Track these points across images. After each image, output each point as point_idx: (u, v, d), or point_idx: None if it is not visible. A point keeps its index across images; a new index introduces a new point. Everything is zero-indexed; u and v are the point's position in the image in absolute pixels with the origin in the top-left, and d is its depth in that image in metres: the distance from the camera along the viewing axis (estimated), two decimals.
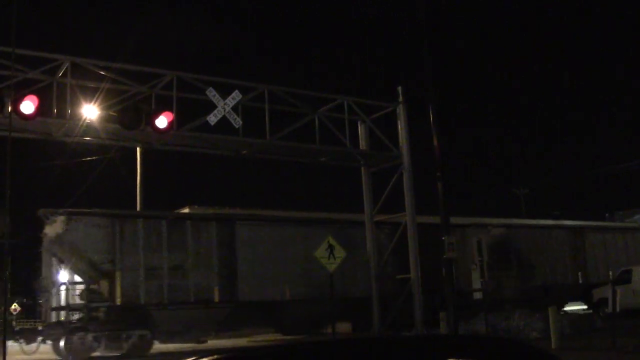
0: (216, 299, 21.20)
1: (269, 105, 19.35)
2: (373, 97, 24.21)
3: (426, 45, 19.77)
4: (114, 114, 17.22)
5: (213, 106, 17.93)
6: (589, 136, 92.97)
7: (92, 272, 20.23)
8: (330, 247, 18.78)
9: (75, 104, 16.79)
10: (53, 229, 19.74)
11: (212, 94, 17.93)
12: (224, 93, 18.08)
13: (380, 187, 22.77)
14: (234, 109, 18.10)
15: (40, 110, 15.77)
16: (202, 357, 3.62)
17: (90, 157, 29.64)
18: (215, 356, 3.60)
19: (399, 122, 22.08)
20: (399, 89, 22.13)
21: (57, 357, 19.41)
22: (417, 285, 21.40)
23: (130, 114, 16.73)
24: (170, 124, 17.22)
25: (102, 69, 17.24)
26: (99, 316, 20.02)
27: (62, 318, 20.31)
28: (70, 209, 20.56)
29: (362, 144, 22.38)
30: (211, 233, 21.53)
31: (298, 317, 21.96)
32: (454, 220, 25.73)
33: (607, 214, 50.57)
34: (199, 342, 21.19)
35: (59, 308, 20.18)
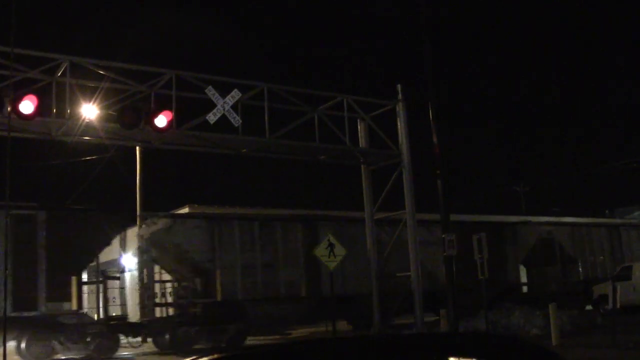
0: (303, 293, 22.64)
1: (269, 104, 19.35)
2: (372, 95, 24.21)
3: (426, 42, 19.77)
4: (113, 113, 17.22)
5: (212, 105, 17.93)
6: (588, 133, 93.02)
7: (187, 270, 21.40)
8: (331, 245, 18.83)
9: (74, 104, 16.78)
10: (150, 230, 21.06)
11: (211, 92, 17.93)
12: (224, 92, 18.08)
13: (380, 185, 22.80)
14: (234, 107, 18.10)
15: (39, 110, 15.76)
16: (202, 357, 3.62)
17: (90, 156, 29.62)
18: (216, 356, 3.60)
19: (398, 120, 22.08)
20: (399, 86, 22.12)
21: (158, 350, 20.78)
22: (418, 283, 21.41)
23: (129, 113, 16.73)
24: (170, 122, 17.22)
25: (102, 68, 17.23)
26: (196, 312, 21.10)
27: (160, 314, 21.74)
28: (172, 212, 22.84)
29: (362, 142, 22.38)
30: (297, 233, 23.07)
31: (366, 311, 22.80)
32: (506, 218, 31.28)
33: (607, 211, 50.59)
34: (283, 334, 22.68)
35: (163, 304, 21.39)
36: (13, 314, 17.99)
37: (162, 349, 20.73)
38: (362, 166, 22.75)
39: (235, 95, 18.10)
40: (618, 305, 18.25)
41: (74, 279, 19.60)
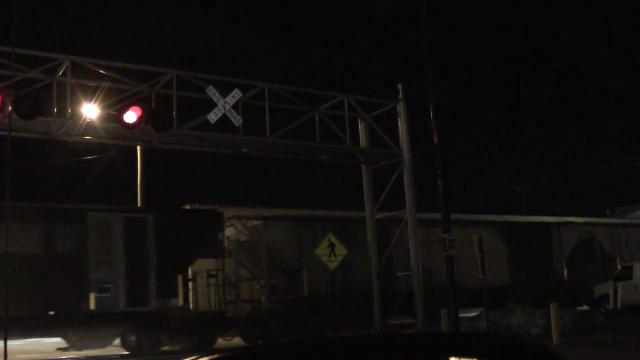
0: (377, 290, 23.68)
1: (269, 104, 19.36)
2: (373, 95, 24.19)
3: (426, 41, 19.77)
4: (114, 113, 17.22)
5: (213, 104, 17.94)
6: (590, 132, 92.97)
7: (275, 269, 22.85)
8: (332, 245, 18.84)
9: (75, 103, 16.79)
10: (241, 230, 22.56)
11: (212, 92, 17.94)
12: (224, 91, 18.09)
13: (381, 185, 22.81)
14: (234, 107, 18.10)
15: (40, 109, 15.77)
16: (202, 357, 3.62)
17: (91, 156, 29.65)
18: (216, 355, 3.60)
19: (399, 119, 22.07)
20: (399, 86, 22.12)
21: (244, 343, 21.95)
22: (419, 282, 21.41)
23: (128, 113, 16.70)
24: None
25: (102, 68, 17.23)
26: (279, 308, 22.53)
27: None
28: (262, 214, 23.69)
29: (363, 141, 22.38)
30: (359, 234, 23.87)
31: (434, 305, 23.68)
32: (547, 219, 33.47)
33: (608, 210, 50.58)
34: (358, 328, 23.38)
35: (250, 300, 22.56)
36: (128, 309, 20.10)
37: (249, 342, 22.13)
38: (362, 166, 22.75)
39: (236, 95, 18.10)
40: (619, 305, 18.23)
41: (179, 276, 21.03)
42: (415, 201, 21.82)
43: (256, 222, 22.95)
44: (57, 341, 20.83)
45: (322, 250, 18.88)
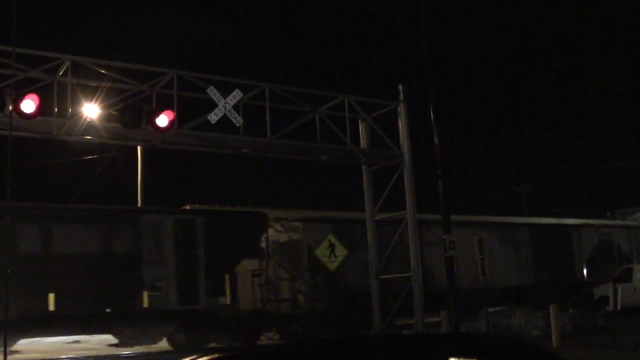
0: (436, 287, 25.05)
1: (270, 104, 19.34)
2: (374, 96, 24.24)
3: (426, 42, 19.78)
4: (114, 112, 17.22)
5: (214, 105, 17.92)
6: (590, 134, 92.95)
7: (314, 269, 23.33)
8: (332, 246, 18.88)
9: (76, 103, 16.78)
10: (278, 232, 23.47)
11: (212, 92, 17.93)
12: (225, 92, 18.07)
13: (381, 186, 22.81)
14: (235, 107, 18.09)
15: (40, 109, 15.75)
16: (202, 357, 3.62)
17: (91, 155, 29.68)
18: (216, 355, 3.60)
19: (399, 120, 22.06)
20: (400, 87, 22.11)
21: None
22: (418, 282, 21.41)
23: (130, 113, 16.73)
24: (171, 122, 17.22)
25: (103, 68, 17.22)
26: (318, 306, 23.51)
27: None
28: (302, 216, 24.89)
29: (363, 142, 22.36)
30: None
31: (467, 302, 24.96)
32: (568, 221, 34.68)
33: (608, 212, 50.56)
34: (393, 326, 24.53)
35: (289, 299, 23.37)
36: (178, 308, 20.92)
37: (287, 339, 22.83)
38: (363, 166, 22.75)
39: (236, 95, 18.09)
40: (619, 307, 18.24)
41: (227, 276, 21.78)
42: (415, 202, 21.81)
43: (296, 224, 24.15)
44: (102, 339, 21.50)
45: (322, 251, 18.92)
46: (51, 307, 19.00)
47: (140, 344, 20.60)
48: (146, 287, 20.51)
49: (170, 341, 21.29)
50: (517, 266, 29.05)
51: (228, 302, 21.75)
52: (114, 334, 20.96)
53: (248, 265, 22.22)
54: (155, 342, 20.92)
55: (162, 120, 17.01)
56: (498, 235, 28.28)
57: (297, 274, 23.34)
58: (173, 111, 17.31)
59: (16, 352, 19.82)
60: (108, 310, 20.05)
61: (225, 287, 21.62)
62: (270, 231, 23.19)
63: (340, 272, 23.35)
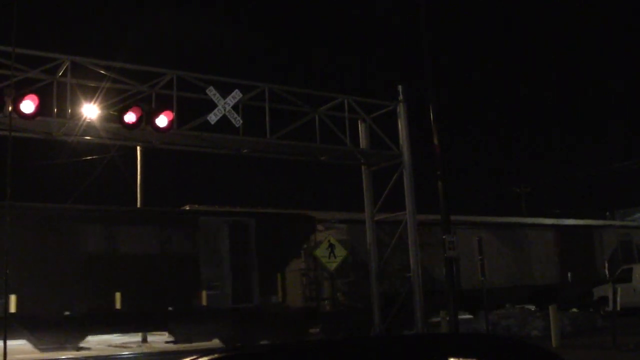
0: (463, 287, 26.26)
1: (270, 104, 19.33)
2: (373, 96, 24.20)
3: (426, 42, 19.78)
4: (114, 113, 17.21)
5: (213, 105, 17.92)
6: (589, 134, 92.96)
7: (357, 268, 24.57)
8: (331, 247, 18.88)
9: (75, 103, 16.78)
10: (329, 233, 24.04)
11: (212, 93, 17.92)
12: (225, 92, 18.07)
13: (381, 186, 22.82)
14: (235, 108, 18.08)
15: (40, 109, 15.76)
16: (202, 357, 3.62)
17: (91, 156, 29.68)
18: (216, 355, 3.60)
19: (399, 120, 22.06)
20: (400, 87, 22.11)
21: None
22: (418, 283, 21.42)
23: (130, 113, 16.73)
24: (171, 122, 17.22)
25: (103, 68, 17.21)
26: (359, 304, 24.27)
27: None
28: (347, 217, 26.01)
29: (363, 142, 22.36)
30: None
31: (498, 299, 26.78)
32: (590, 222, 36.68)
33: (608, 213, 50.57)
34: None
35: (333, 297, 24.42)
36: (234, 306, 21.94)
37: (329, 335, 23.52)
38: (362, 167, 22.74)
39: (236, 95, 18.09)
40: (618, 307, 18.24)
41: (278, 275, 22.79)
42: (415, 202, 21.82)
43: (341, 225, 25.39)
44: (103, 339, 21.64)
45: (321, 252, 18.92)
46: (118, 306, 20.07)
47: (196, 340, 21.24)
48: (204, 286, 21.48)
49: (222, 338, 21.86)
50: (544, 266, 30.60)
51: (280, 300, 22.82)
52: (171, 332, 21.79)
53: (297, 264, 23.21)
54: (209, 339, 21.54)
55: (162, 120, 17.03)
56: (524, 236, 30.28)
57: (342, 273, 23.93)
58: (172, 111, 17.31)
59: (84, 348, 20.89)
60: (170, 308, 21.01)
61: (277, 286, 22.63)
62: (324, 233, 24.25)
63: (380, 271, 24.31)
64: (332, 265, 18.84)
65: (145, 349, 24.22)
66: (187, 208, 26.56)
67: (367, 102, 22.09)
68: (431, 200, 22.08)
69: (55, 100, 16.64)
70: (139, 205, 29.30)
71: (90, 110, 16.84)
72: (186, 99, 18.53)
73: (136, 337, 26.51)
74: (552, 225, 32.95)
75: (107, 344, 24.28)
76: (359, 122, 22.24)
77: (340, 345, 4.16)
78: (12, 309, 18.53)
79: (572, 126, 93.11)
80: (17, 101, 15.15)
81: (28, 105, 15.38)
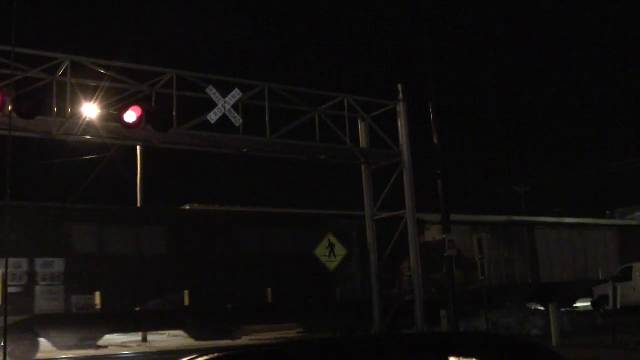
0: (529, 280, 30.13)
1: (269, 104, 19.34)
2: (373, 95, 24.22)
3: (427, 41, 19.77)
4: (114, 112, 17.21)
5: (213, 104, 17.92)
6: (589, 133, 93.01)
7: (459, 266, 26.31)
8: (331, 246, 18.86)
9: (75, 103, 16.78)
10: (431, 235, 26.64)
11: (212, 92, 17.92)
12: (224, 91, 18.07)
13: (381, 185, 22.82)
14: (234, 107, 18.08)
15: (40, 109, 15.75)
16: (202, 356, 3.61)
17: (91, 155, 29.67)
18: (216, 355, 3.60)
19: (399, 120, 22.06)
20: (399, 86, 22.10)
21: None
22: (419, 283, 21.43)
23: (28, 102, 16.37)
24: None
25: (102, 67, 17.21)
26: (458, 298, 25.72)
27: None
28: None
29: (363, 142, 22.37)
30: (523, 235, 30.65)
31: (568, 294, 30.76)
32: (612, 222, 40.00)
33: (608, 212, 50.58)
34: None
35: (431, 292, 25.24)
36: (361, 299, 23.55)
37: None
38: (362, 166, 22.74)
39: (236, 94, 18.09)
40: (618, 306, 18.23)
41: (395, 271, 24.49)
42: (414, 201, 21.82)
43: (438, 227, 26.34)
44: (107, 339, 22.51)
45: (321, 251, 18.90)
46: (269, 299, 22.43)
47: (326, 331, 22.50)
48: (339, 282, 23.74)
49: (348, 328, 22.91)
50: (605, 263, 32.99)
51: (398, 293, 24.91)
52: (302, 323, 24.31)
53: (406, 263, 23.98)
54: (338, 330, 22.48)
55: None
56: (585, 236, 33.15)
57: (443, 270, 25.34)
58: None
59: (237, 338, 22.74)
60: (309, 302, 23.07)
61: (395, 281, 24.74)
62: (426, 234, 26.27)
63: (475, 268, 26.51)
64: (332, 265, 18.82)
65: (145, 348, 24.26)
66: (187, 207, 26.57)
67: (367, 101, 22.09)
68: (430, 200, 22.31)
69: (55, 100, 16.64)
70: (139, 204, 29.31)
71: (90, 110, 16.83)
72: (186, 99, 18.54)
73: (136, 337, 26.53)
74: (613, 226, 36.09)
75: (108, 343, 24.27)
76: (359, 121, 22.25)
77: (340, 345, 4.16)
78: (186, 302, 21.11)
79: (571, 125, 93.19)
80: (17, 101, 15.12)
81: (29, 105, 15.34)
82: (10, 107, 14.74)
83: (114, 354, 22.20)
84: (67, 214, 20.85)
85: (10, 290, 18.24)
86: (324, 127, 20.61)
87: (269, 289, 22.52)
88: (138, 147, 29.05)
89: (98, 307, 19.87)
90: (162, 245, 21.58)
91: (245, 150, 20.48)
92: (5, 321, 12.29)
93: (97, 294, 19.91)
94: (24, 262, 19.26)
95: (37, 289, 19.36)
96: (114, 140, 19.84)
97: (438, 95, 19.96)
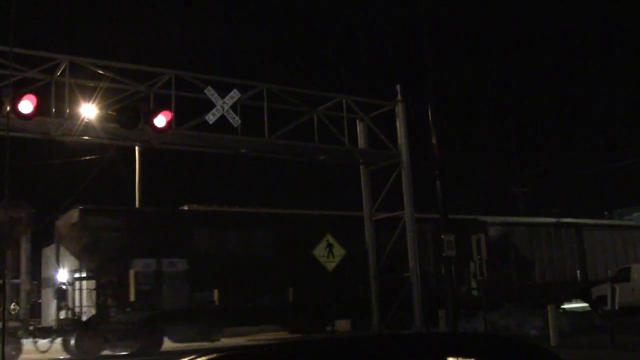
0: (578, 278, 31.77)
1: (268, 104, 19.34)
2: (372, 96, 24.26)
3: (426, 42, 19.78)
4: (112, 113, 17.20)
5: (212, 105, 17.92)
6: (587, 134, 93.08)
7: (517, 263, 29.30)
8: (330, 246, 18.83)
9: (73, 103, 16.77)
10: (489, 235, 26.94)
11: (210, 92, 17.92)
12: (223, 92, 18.07)
13: (379, 185, 22.82)
14: (233, 107, 18.09)
15: (38, 109, 15.73)
16: (201, 356, 3.61)
17: (89, 156, 29.63)
18: (215, 355, 3.60)
19: (397, 120, 22.08)
20: (398, 87, 22.12)
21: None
22: (417, 282, 21.44)
23: (128, 113, 16.72)
24: (169, 122, 17.20)
25: (101, 68, 17.21)
26: (512, 294, 27.50)
27: None
28: (506, 220, 32.42)
29: (361, 142, 22.38)
30: (571, 235, 32.33)
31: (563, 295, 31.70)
32: (624, 222, 42.34)
33: (606, 212, 50.59)
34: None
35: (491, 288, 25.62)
36: (437, 295, 23.11)
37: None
38: (361, 166, 22.75)
39: (234, 95, 18.09)
40: (617, 307, 18.24)
41: (463, 269, 24.54)
42: (413, 202, 21.84)
43: (503, 228, 29.90)
44: None
45: (320, 251, 18.87)
46: (360, 295, 23.57)
47: (400, 326, 22.86)
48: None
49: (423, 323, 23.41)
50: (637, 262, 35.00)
51: (467, 290, 26.34)
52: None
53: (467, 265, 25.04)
54: (409, 327, 22.58)
55: (160, 120, 16.99)
56: (623, 237, 34.59)
57: (503, 267, 27.32)
58: (171, 111, 17.28)
59: (329, 331, 23.07)
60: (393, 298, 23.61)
61: (464, 278, 25.52)
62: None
63: (532, 265, 30.17)
64: (331, 265, 18.80)
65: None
66: (185, 208, 26.53)
67: (365, 101, 22.10)
68: (429, 200, 22.21)
69: (54, 100, 16.62)
70: (137, 204, 29.28)
71: (89, 110, 16.83)
72: (184, 99, 18.53)
73: None
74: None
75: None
76: (357, 121, 22.25)
77: (339, 345, 4.16)
78: (290, 299, 23.43)
79: (571, 126, 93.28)
80: (15, 101, 15.12)
81: (26, 105, 15.35)
82: (8, 108, 14.73)
83: (114, 355, 22.12)
84: (189, 218, 23.71)
85: (142, 288, 21.00)
86: (323, 128, 20.63)
87: (360, 288, 23.76)
88: (137, 148, 29.02)
89: (216, 303, 22.03)
90: (267, 247, 23.80)
91: (243, 150, 20.48)
92: (4, 321, 12.29)
93: (215, 291, 22.11)
94: (152, 262, 21.38)
95: (164, 287, 21.58)
96: (113, 141, 19.84)
97: (437, 95, 19.96)
